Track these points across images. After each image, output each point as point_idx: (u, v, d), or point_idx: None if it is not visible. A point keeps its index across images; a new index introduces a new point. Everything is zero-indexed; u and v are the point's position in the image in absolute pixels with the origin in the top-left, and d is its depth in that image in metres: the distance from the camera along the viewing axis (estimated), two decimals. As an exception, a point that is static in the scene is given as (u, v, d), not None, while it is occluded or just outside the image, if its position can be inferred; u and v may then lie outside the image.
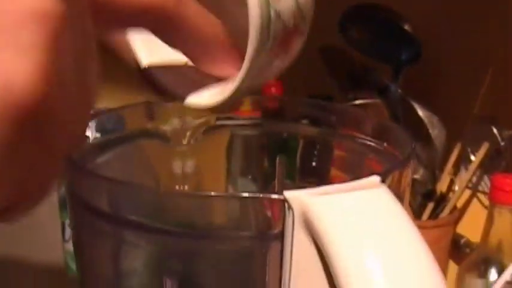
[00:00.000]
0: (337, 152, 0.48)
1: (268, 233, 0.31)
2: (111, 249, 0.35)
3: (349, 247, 0.27)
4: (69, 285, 0.78)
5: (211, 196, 0.30)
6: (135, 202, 0.32)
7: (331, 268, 0.28)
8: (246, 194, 0.30)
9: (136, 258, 0.34)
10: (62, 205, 0.76)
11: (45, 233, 0.88)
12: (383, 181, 0.31)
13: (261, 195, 0.30)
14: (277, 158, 0.47)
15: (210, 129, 0.47)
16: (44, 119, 0.21)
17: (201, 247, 0.32)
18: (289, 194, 0.29)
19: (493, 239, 0.74)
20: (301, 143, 0.49)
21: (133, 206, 0.32)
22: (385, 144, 0.42)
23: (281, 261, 0.30)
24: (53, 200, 0.84)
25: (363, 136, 0.43)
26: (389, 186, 0.31)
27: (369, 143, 0.43)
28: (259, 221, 0.31)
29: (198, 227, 0.31)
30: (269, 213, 0.31)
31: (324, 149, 0.48)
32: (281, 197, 0.29)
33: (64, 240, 0.77)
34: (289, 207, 0.29)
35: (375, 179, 0.31)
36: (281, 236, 0.30)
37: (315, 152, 0.49)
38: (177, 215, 0.32)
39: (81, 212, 0.36)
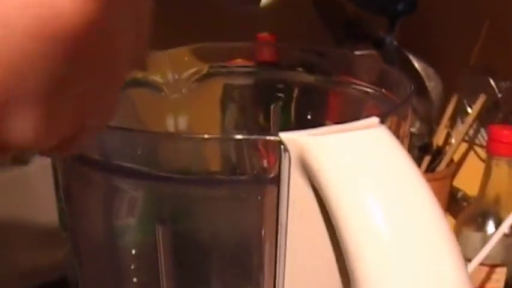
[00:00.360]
0: (334, 102, 0.47)
1: (264, 177, 0.30)
2: (104, 198, 0.34)
3: (348, 188, 0.26)
4: (65, 244, 0.78)
5: (206, 138, 0.29)
6: (127, 148, 0.31)
7: (329, 210, 0.27)
8: (240, 136, 0.29)
9: (130, 206, 0.33)
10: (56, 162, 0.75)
11: (38, 193, 0.87)
12: (382, 123, 0.30)
13: (256, 137, 0.29)
14: (272, 106, 0.46)
15: (203, 78, 0.46)
16: (97, 43, 0.19)
17: (195, 192, 0.31)
18: (285, 136, 0.28)
19: (491, 192, 0.73)
20: (296, 92, 0.48)
21: (126, 152, 0.31)
22: (383, 90, 0.41)
23: (277, 204, 0.29)
24: (44, 161, 0.83)
25: (360, 82, 0.42)
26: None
27: (367, 89, 0.42)
28: (254, 165, 0.30)
29: (192, 171, 0.30)
30: (264, 156, 0.30)
31: (320, 98, 0.47)
32: (276, 138, 0.28)
33: (58, 199, 0.76)
34: (285, 149, 0.28)
35: (374, 120, 0.30)
36: (277, 179, 0.29)
37: (311, 102, 0.48)
38: (170, 160, 0.31)
39: (72, 162, 0.35)
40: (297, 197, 0.29)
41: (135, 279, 0.36)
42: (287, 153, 0.28)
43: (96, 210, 0.35)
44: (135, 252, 0.34)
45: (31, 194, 0.88)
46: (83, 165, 0.33)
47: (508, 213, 0.72)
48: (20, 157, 0.88)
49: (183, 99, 0.45)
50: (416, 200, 0.27)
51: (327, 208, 0.27)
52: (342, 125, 0.29)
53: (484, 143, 0.80)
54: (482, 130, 0.80)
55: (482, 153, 0.81)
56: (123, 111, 0.45)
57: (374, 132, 0.28)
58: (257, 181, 0.30)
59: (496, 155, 0.71)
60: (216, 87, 0.49)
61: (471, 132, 0.81)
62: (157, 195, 0.32)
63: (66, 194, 0.36)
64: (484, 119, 0.79)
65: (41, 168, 0.83)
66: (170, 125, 0.46)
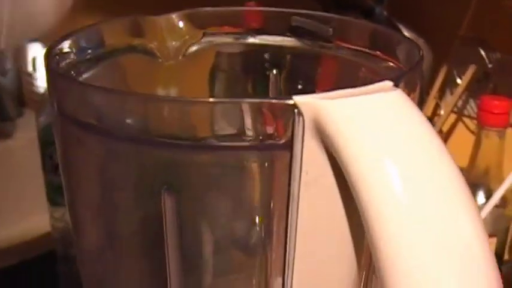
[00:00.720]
0: (328, 67, 0.46)
1: (274, 143, 0.29)
2: (101, 165, 0.33)
3: (367, 150, 0.25)
4: (52, 218, 0.76)
5: (212, 102, 0.28)
6: (127, 111, 0.30)
7: (347, 176, 0.26)
8: (251, 100, 0.28)
9: (129, 172, 0.32)
10: (43, 136, 0.74)
11: (24, 168, 0.86)
12: (396, 86, 0.29)
13: (268, 100, 0.28)
14: (271, 73, 0.44)
15: (197, 45, 0.44)
16: None
17: (200, 158, 0.30)
18: (299, 99, 0.27)
19: (480, 163, 0.73)
20: (288, 59, 0.46)
21: (126, 116, 0.30)
22: (378, 52, 0.39)
23: (290, 171, 0.28)
24: (29, 134, 0.82)
25: (354, 46, 0.41)
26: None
27: (361, 53, 0.40)
28: (263, 130, 0.28)
29: (196, 137, 0.29)
30: (274, 121, 0.28)
31: (313, 64, 0.46)
32: (290, 101, 0.27)
33: (45, 172, 0.75)
34: (299, 112, 0.27)
35: (388, 83, 0.29)
36: (288, 145, 0.28)
37: (303, 69, 0.46)
38: (172, 125, 0.29)
39: (69, 129, 0.33)
40: (310, 163, 0.28)
41: (133, 250, 0.35)
42: (301, 117, 0.27)
43: (93, 178, 0.33)
44: (136, 221, 0.33)
45: (17, 169, 0.87)
46: (78, 129, 0.32)
47: (498, 184, 0.71)
48: (2, 130, 0.87)
49: (176, 68, 0.44)
50: (436, 162, 0.26)
51: (344, 171, 0.26)
52: (356, 88, 0.28)
53: (474, 114, 0.79)
54: (472, 101, 0.80)
55: (471, 124, 0.81)
56: (113, 80, 0.44)
57: (391, 95, 0.27)
58: (267, 147, 0.29)
59: (486, 126, 0.71)
60: (209, 55, 0.48)
61: (460, 103, 0.81)
62: (159, 162, 0.30)
63: (63, 163, 0.35)
64: (473, 90, 0.78)
65: (27, 142, 0.82)
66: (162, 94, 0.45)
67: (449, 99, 0.79)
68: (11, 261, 0.83)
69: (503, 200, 0.72)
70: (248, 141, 0.29)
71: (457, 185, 0.26)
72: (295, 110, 0.27)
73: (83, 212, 0.35)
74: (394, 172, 0.25)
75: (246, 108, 0.28)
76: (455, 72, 0.78)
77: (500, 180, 0.72)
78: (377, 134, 0.26)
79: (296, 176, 0.28)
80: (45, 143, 0.73)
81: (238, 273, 0.33)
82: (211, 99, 0.28)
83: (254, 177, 0.30)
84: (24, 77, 1.03)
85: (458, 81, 0.78)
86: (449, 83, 0.80)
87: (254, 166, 0.30)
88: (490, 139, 0.72)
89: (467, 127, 0.82)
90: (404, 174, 0.25)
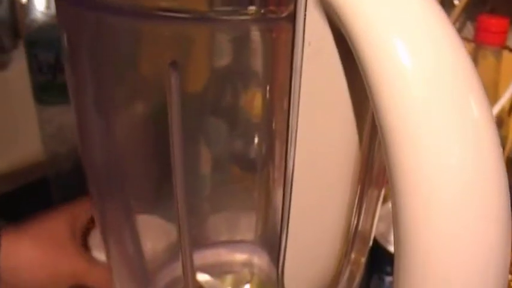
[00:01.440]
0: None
1: (278, 16, 0.29)
2: (104, 46, 0.32)
3: (377, 22, 0.25)
4: (42, 122, 0.76)
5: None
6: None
7: (353, 46, 0.26)
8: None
9: (133, 49, 0.31)
10: (27, 37, 0.73)
11: (17, 96, 0.86)
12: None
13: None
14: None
15: None
16: None
17: (201, 32, 0.29)
18: (303, -33, 0.27)
19: (477, 84, 0.73)
20: None
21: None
22: None
23: (292, 43, 0.28)
24: (24, 66, 0.81)
25: None
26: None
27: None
28: (267, 2, 0.28)
29: (194, 10, 0.29)
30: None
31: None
32: (293, -31, 0.27)
33: (31, 72, 0.74)
34: (302, -19, 0.27)
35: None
36: (292, 18, 0.28)
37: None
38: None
39: (71, 12, 0.33)
40: (313, 34, 0.27)
41: (138, 131, 0.35)
42: (303, -14, 0.27)
43: (96, 60, 0.33)
44: (141, 101, 0.33)
45: (12, 99, 0.87)
46: (79, 10, 0.32)
47: (493, 105, 0.72)
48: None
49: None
50: (444, 42, 0.26)
51: (351, 44, 0.26)
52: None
53: (470, 37, 0.79)
54: (469, 23, 0.80)
55: (468, 46, 0.80)
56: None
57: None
58: (270, 20, 0.29)
59: (483, 45, 0.71)
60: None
61: (457, 25, 0.81)
62: (162, 36, 0.30)
63: (69, 54, 0.35)
64: (470, 12, 0.78)
65: (22, 73, 0.82)
66: None
67: (446, 22, 0.79)
68: (4, 189, 0.84)
69: (499, 120, 0.73)
70: (250, 15, 0.29)
71: (467, 67, 0.26)
72: (298, -21, 0.27)
73: (88, 100, 0.35)
74: (402, 47, 0.25)
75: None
76: (452, -6, 0.78)
77: (496, 101, 0.72)
78: (385, 4, 0.25)
79: (299, 48, 0.28)
80: (29, 44, 0.73)
81: (239, 145, 0.34)
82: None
83: (257, 51, 0.30)
84: (18, 8, 1.02)
85: (456, 2, 0.77)
86: (446, 5, 0.79)
87: (257, 40, 0.30)
88: (487, 60, 0.72)
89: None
90: (413, 43, 0.25)
